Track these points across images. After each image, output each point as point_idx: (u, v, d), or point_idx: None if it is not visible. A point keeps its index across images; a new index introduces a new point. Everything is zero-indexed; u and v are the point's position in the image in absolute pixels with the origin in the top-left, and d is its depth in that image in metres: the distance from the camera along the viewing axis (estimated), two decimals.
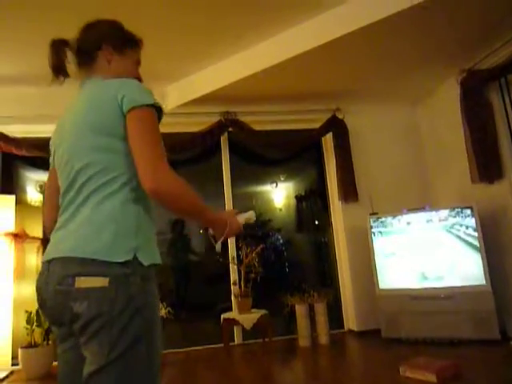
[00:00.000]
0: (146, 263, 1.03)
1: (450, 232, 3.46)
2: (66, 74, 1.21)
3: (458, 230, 3.43)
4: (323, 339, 3.68)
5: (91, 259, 0.98)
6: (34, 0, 2.63)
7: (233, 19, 3.07)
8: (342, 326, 4.18)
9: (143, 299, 1.00)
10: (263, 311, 3.61)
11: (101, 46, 1.21)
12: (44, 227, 1.32)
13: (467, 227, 3.40)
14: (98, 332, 0.96)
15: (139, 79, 1.27)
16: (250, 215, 1.33)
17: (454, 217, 3.46)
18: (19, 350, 3.23)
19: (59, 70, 1.19)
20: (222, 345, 3.68)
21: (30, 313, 3.29)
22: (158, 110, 1.10)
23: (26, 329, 3.27)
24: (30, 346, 3.25)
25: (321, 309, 3.71)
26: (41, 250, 3.59)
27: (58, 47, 1.20)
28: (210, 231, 1.22)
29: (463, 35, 3.19)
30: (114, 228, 1.02)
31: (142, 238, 1.05)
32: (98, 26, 1.25)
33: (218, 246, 1.22)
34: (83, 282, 0.97)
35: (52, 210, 1.24)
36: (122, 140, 1.07)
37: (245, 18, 3.07)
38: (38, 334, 3.30)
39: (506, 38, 3.23)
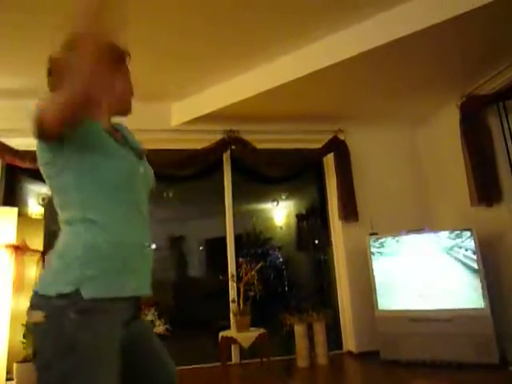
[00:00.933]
0: (88, 296, 0.97)
1: (449, 254, 3.48)
2: None
3: (458, 253, 3.45)
4: (322, 360, 3.65)
5: (37, 292, 1.00)
6: (48, 14, 2.71)
7: (237, 41, 3.15)
8: (340, 346, 4.15)
9: (77, 336, 0.94)
10: (262, 330, 3.58)
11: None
12: None
13: (467, 249, 3.41)
14: (36, 368, 0.97)
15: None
16: None
17: (454, 239, 3.48)
18: (14, 365, 3.18)
19: None
20: (219, 364, 3.64)
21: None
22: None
23: (23, 343, 3.24)
24: (26, 360, 3.21)
25: (320, 329, 3.69)
26: (40, 262, 3.59)
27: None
28: None
29: (463, 61, 3.27)
30: (58, 262, 1.03)
31: (93, 269, 1.01)
32: None
33: None
34: (29, 317, 0.99)
35: None
36: (58, 171, 1.05)
37: (249, 39, 3.15)
38: None
39: (505, 65, 3.31)
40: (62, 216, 1.09)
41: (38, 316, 0.95)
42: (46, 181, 1.11)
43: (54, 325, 0.94)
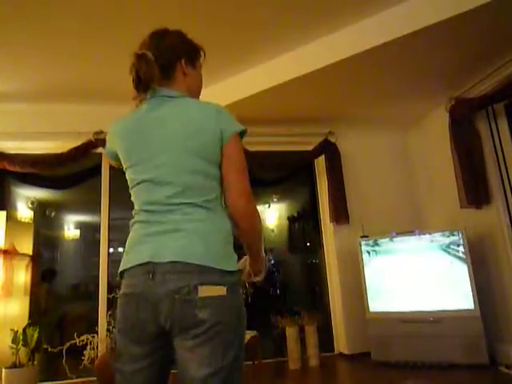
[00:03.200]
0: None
1: (439, 255, 3.50)
2: (148, 90, 1.17)
3: (448, 254, 3.48)
4: (313, 362, 3.65)
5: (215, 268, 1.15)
6: (30, 19, 2.68)
7: (228, 43, 3.16)
8: (332, 348, 4.15)
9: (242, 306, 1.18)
10: (253, 332, 3.57)
11: (179, 59, 1.22)
12: None
13: (456, 251, 3.44)
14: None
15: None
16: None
17: (444, 240, 3.50)
18: (3, 371, 3.14)
19: (147, 85, 1.15)
20: None
21: (16, 331, 3.23)
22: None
23: (12, 348, 3.20)
24: (15, 366, 3.17)
25: (311, 331, 3.69)
26: (30, 266, 3.55)
27: (146, 61, 1.13)
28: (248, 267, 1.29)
29: (452, 65, 3.30)
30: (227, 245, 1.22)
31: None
32: (171, 38, 1.24)
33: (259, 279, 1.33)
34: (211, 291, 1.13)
35: None
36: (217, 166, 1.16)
37: (239, 44, 3.16)
38: (23, 353, 3.22)
39: (493, 68, 3.35)
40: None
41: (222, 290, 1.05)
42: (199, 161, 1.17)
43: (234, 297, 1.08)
